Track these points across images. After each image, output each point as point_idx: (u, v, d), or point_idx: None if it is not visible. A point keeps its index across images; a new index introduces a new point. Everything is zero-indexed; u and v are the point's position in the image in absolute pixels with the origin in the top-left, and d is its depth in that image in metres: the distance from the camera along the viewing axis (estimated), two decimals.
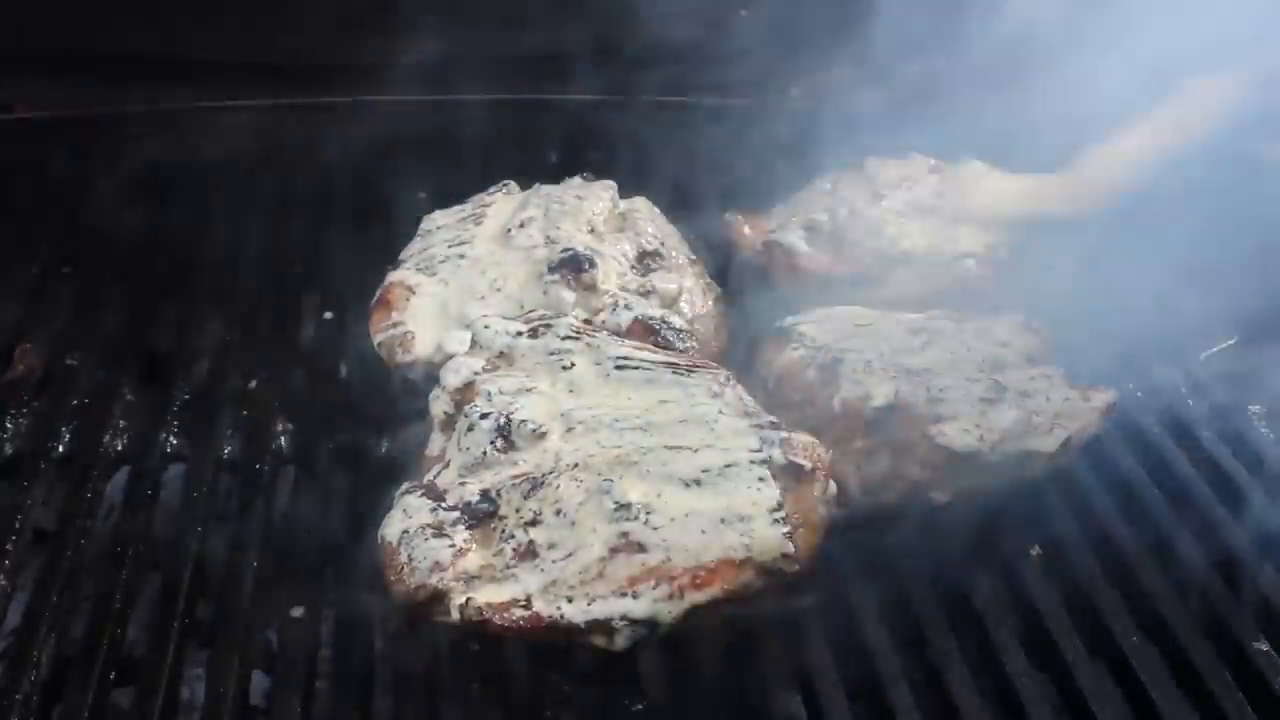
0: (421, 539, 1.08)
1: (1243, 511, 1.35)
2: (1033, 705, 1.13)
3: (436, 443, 1.21)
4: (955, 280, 1.49)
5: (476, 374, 1.24)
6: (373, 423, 1.40)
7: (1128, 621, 1.22)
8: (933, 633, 1.19)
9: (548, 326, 1.29)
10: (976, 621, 1.21)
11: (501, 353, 1.27)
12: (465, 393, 1.23)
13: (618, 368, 1.22)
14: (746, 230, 1.58)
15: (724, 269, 1.57)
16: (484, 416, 1.17)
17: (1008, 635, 1.19)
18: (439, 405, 1.23)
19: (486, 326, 1.29)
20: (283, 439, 1.40)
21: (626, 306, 1.37)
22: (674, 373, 1.22)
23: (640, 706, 1.10)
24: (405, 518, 1.10)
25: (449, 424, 1.21)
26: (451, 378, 1.24)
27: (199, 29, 1.90)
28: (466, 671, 1.14)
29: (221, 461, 1.37)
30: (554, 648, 1.12)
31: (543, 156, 1.93)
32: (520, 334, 1.28)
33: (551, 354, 1.24)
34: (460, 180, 1.66)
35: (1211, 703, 1.15)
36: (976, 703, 1.13)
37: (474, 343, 1.29)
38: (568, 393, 1.21)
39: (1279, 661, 1.19)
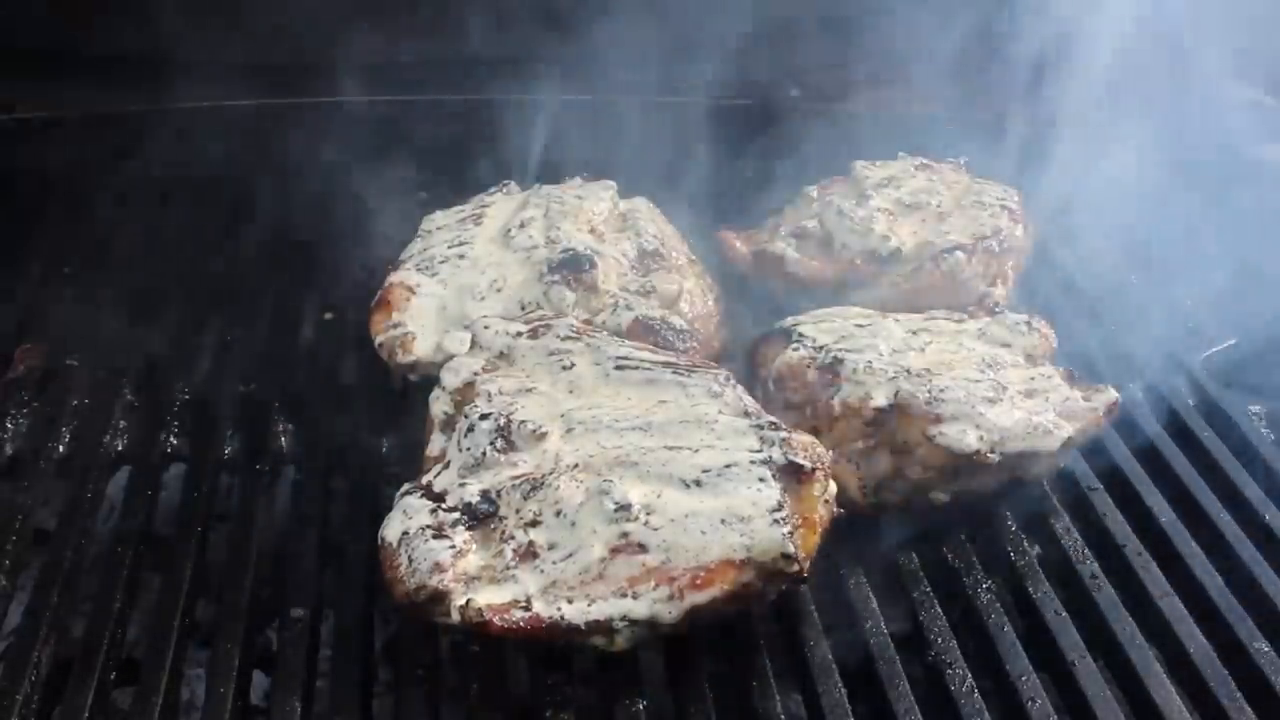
0: (421, 540, 1.08)
1: (1243, 511, 1.35)
2: (1033, 705, 1.13)
3: (436, 443, 1.20)
4: (946, 274, 1.49)
5: (476, 374, 1.24)
6: (373, 423, 1.40)
7: (1128, 621, 1.22)
8: (933, 633, 1.19)
9: (548, 327, 1.29)
10: (977, 622, 1.21)
11: (501, 353, 1.27)
12: (465, 393, 1.23)
13: (618, 368, 1.22)
14: (738, 244, 1.59)
15: (723, 269, 1.57)
16: (484, 417, 1.17)
17: (1008, 635, 1.19)
18: (439, 405, 1.23)
19: (486, 327, 1.30)
20: (283, 439, 1.40)
21: (627, 306, 1.37)
22: (674, 373, 1.22)
23: (640, 706, 1.10)
24: (405, 519, 1.10)
25: (449, 424, 1.21)
26: (451, 378, 1.24)
27: (198, 29, 1.90)
28: (466, 671, 1.13)
29: (221, 461, 1.37)
30: (554, 648, 1.12)
31: (542, 156, 1.93)
32: (520, 334, 1.28)
33: (551, 354, 1.24)
34: (460, 180, 1.66)
35: (1212, 703, 1.15)
36: (976, 703, 1.13)
37: (474, 343, 1.29)
38: (568, 393, 1.21)
39: (1279, 661, 1.19)
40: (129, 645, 1.19)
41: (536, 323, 1.30)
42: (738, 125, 1.87)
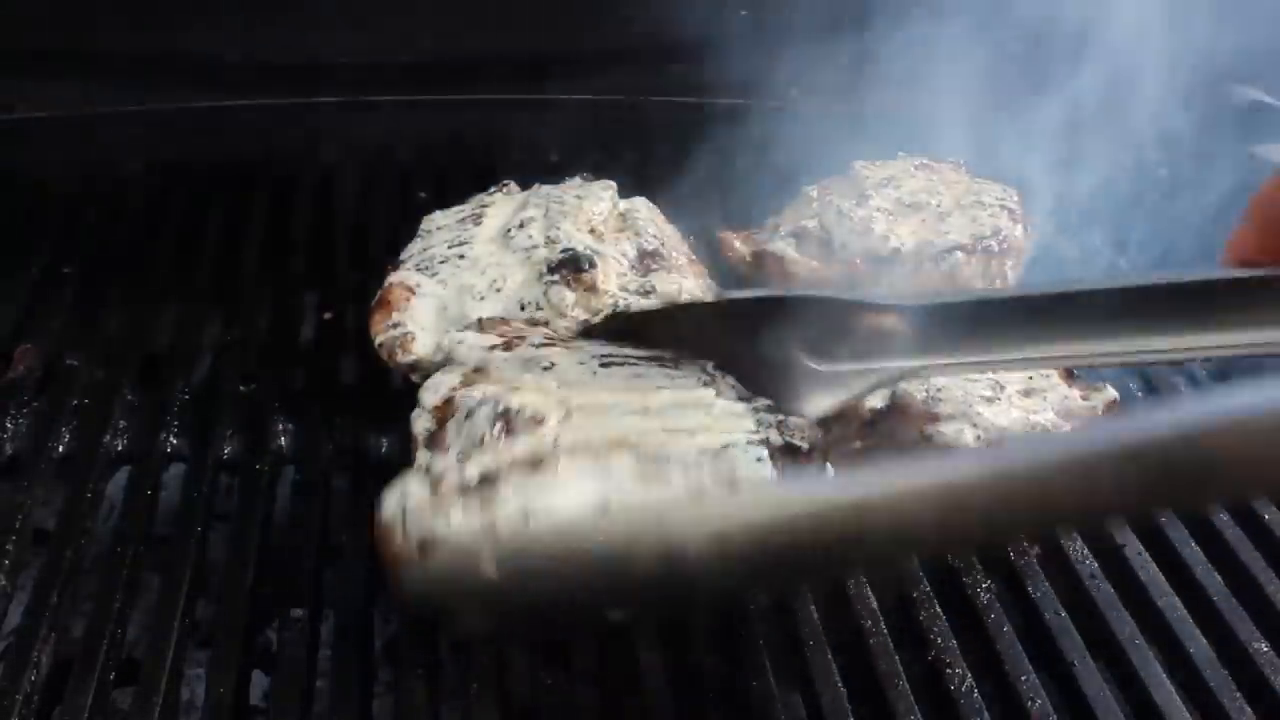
0: (418, 511, 1.06)
1: (1242, 511, 1.35)
2: (1033, 705, 1.13)
3: (422, 459, 1.19)
4: (946, 274, 1.49)
5: (454, 389, 1.22)
6: (373, 423, 1.40)
7: (1128, 621, 1.22)
8: (933, 633, 1.19)
9: (521, 338, 1.27)
10: (976, 621, 1.21)
11: (478, 368, 1.25)
12: (445, 409, 1.21)
13: (603, 365, 1.21)
14: (737, 244, 1.59)
15: (723, 269, 1.58)
16: (482, 403, 1.15)
17: (1008, 635, 1.19)
18: (421, 423, 1.21)
19: (460, 342, 1.28)
20: (283, 439, 1.40)
21: (627, 307, 1.36)
22: (660, 365, 1.20)
23: (640, 706, 1.10)
24: (402, 499, 1.09)
25: (433, 441, 1.19)
26: (430, 396, 1.22)
27: (198, 29, 1.90)
28: (466, 671, 1.13)
29: (221, 461, 1.37)
30: (554, 647, 1.12)
31: (543, 156, 1.93)
32: (494, 347, 1.26)
33: (529, 360, 1.23)
34: (460, 180, 1.66)
35: (1212, 703, 1.15)
36: (976, 703, 1.13)
37: (449, 359, 1.27)
38: (557, 386, 1.20)
39: (1279, 661, 1.19)
40: (129, 645, 1.18)
41: (511, 335, 1.28)
42: (738, 125, 1.87)
